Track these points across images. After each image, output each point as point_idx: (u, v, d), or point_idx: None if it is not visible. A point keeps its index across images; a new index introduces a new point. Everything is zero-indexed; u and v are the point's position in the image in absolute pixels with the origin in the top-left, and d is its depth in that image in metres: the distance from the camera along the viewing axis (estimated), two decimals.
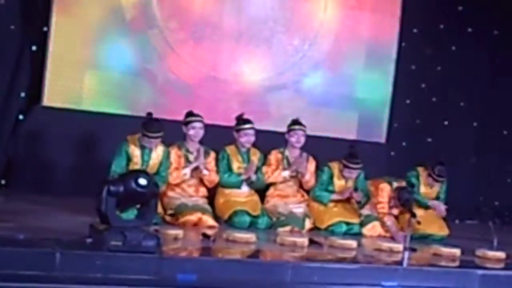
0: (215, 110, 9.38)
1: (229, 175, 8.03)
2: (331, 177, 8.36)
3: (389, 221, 8.10)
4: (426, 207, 8.39)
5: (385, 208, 8.17)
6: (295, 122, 8.39)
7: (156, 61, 9.22)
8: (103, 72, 9.01)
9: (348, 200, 8.36)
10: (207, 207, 7.75)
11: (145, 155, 7.50)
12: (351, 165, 8.27)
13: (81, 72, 8.95)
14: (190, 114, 7.99)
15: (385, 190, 8.22)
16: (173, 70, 9.29)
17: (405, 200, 7.81)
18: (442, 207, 8.42)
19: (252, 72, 9.70)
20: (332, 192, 8.33)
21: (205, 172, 7.87)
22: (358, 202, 8.33)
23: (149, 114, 7.43)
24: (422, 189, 8.57)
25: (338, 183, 8.36)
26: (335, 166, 8.38)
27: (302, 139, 8.31)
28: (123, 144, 7.48)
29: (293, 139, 8.31)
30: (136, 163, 7.43)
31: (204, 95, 9.43)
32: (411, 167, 8.67)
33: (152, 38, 9.20)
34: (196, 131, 7.90)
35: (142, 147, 7.50)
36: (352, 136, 9.80)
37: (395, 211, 8.21)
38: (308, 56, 9.96)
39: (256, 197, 8.15)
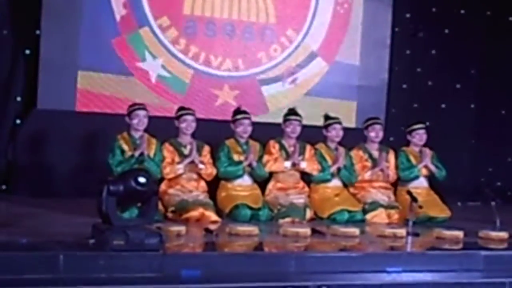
0: (212, 107, 9.47)
1: (228, 163, 8.03)
2: (321, 155, 8.44)
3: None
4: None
5: None
6: (291, 112, 8.41)
7: (148, 59, 9.23)
8: (96, 73, 9.00)
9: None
10: (209, 201, 7.75)
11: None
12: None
13: (75, 74, 8.95)
14: (181, 108, 8.03)
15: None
16: (167, 68, 9.31)
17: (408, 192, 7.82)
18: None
19: (247, 66, 9.73)
20: (329, 166, 8.39)
21: (201, 166, 7.87)
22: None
23: None
24: (414, 162, 8.66)
25: (330, 156, 8.45)
26: (321, 146, 8.52)
27: (298, 129, 8.34)
28: (114, 142, 7.53)
29: (288, 129, 8.33)
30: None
31: (199, 92, 9.47)
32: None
33: (144, 37, 9.19)
34: (187, 123, 7.91)
35: (133, 142, 7.55)
36: (351, 124, 9.81)
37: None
38: (302, 46, 9.97)
39: (258, 191, 8.15)
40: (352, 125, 9.96)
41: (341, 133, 8.53)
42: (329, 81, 10.05)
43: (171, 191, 7.72)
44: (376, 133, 8.66)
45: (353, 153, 8.66)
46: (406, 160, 8.67)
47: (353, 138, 8.82)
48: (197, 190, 7.84)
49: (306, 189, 8.37)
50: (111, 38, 9.03)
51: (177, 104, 8.66)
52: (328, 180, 8.41)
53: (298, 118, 8.36)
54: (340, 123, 8.55)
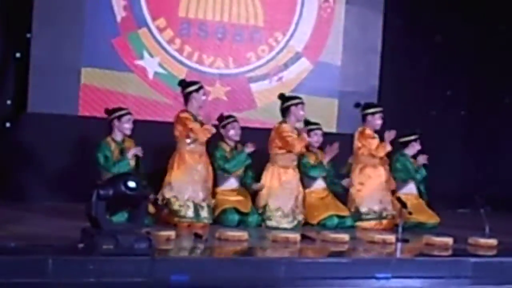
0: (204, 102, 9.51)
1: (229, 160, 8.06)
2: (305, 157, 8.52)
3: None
4: None
5: None
6: (294, 96, 8.45)
7: (146, 57, 9.55)
8: (99, 69, 9.26)
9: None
10: (206, 212, 7.69)
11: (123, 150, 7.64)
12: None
13: (67, 77, 8.99)
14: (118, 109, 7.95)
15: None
16: (163, 66, 9.63)
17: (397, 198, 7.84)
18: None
19: (237, 65, 10.06)
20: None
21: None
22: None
23: None
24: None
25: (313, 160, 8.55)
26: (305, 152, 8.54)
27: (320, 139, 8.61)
28: (104, 145, 7.60)
29: (301, 113, 8.29)
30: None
31: None
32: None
33: (142, 36, 9.52)
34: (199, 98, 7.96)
35: (118, 145, 7.65)
36: (331, 129, 10.07)
37: None
38: (288, 47, 10.28)
39: (246, 194, 8.16)
40: (333, 129, 10.16)
41: (321, 138, 8.60)
42: (313, 80, 10.37)
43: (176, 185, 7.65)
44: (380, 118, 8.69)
45: (358, 132, 8.62)
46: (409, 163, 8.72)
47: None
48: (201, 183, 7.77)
49: (300, 189, 8.32)
50: (112, 38, 9.35)
51: (172, 99, 9.16)
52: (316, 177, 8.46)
53: (301, 101, 8.32)
54: (320, 128, 8.59)
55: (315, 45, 10.43)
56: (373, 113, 8.64)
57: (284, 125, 8.14)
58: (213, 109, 9.35)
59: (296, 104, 8.24)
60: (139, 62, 9.52)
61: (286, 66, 10.28)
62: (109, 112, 7.83)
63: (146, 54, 9.54)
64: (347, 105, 10.22)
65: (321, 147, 8.66)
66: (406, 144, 8.81)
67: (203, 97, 8.02)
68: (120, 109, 7.88)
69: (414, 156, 8.81)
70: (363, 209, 8.31)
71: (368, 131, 8.53)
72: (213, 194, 8.00)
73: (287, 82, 10.26)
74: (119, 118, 7.72)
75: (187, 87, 7.97)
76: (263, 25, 10.16)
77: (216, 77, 9.92)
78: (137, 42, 9.50)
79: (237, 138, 8.24)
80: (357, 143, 8.53)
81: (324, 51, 10.48)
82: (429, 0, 10.88)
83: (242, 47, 10.09)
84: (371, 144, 8.45)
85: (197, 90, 7.93)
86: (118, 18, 9.39)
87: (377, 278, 5.92)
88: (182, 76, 9.48)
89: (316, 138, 8.60)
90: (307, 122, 8.55)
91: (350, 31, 10.49)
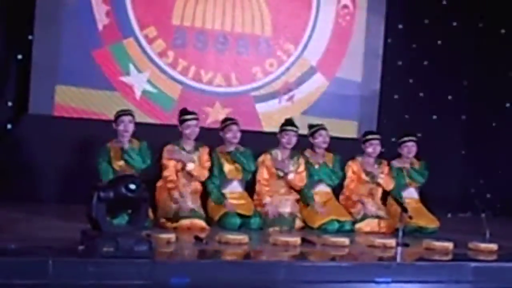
0: (202, 125, 9.13)
1: (215, 186, 7.99)
2: (308, 161, 8.42)
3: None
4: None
5: None
6: (288, 122, 8.36)
7: (133, 73, 8.91)
8: (76, 87, 8.71)
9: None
10: (201, 211, 7.71)
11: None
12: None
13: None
14: (184, 112, 7.87)
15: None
16: (153, 83, 8.97)
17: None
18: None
19: (240, 81, 9.40)
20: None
21: (189, 165, 7.76)
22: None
23: None
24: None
25: (318, 163, 8.47)
26: (309, 151, 8.50)
27: (294, 140, 8.27)
28: (104, 150, 7.57)
29: (284, 140, 8.28)
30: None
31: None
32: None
33: (128, 48, 8.86)
34: (192, 129, 7.79)
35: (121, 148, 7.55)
36: (353, 135, 9.82)
37: None
38: (300, 60, 9.68)
39: (248, 198, 8.16)
40: (354, 135, 9.90)
41: (327, 139, 8.49)
42: (329, 99, 9.77)
43: (165, 198, 7.67)
44: (373, 148, 8.62)
45: (349, 163, 8.65)
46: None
47: (356, 149, 8.81)
48: (190, 196, 7.77)
49: (294, 194, 8.34)
50: (92, 50, 8.68)
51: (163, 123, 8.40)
52: (311, 198, 8.37)
53: (294, 129, 8.29)
54: (325, 128, 8.50)
55: (331, 58, 9.71)
56: (363, 141, 8.65)
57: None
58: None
59: (285, 133, 8.24)
60: (125, 79, 8.77)
61: (298, 83, 9.55)
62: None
63: (132, 69, 8.78)
64: (357, 111, 10.07)
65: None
66: (400, 145, 8.80)
67: (196, 129, 7.78)
68: (118, 111, 7.76)
69: (416, 156, 8.80)
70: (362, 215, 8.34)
71: (354, 167, 8.60)
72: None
73: (299, 102, 9.59)
74: (115, 121, 7.65)
75: (184, 115, 7.82)
76: (272, 34, 9.40)
77: (215, 96, 9.13)
78: (122, 55, 8.68)
79: (235, 141, 8.13)
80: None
81: (342, 65, 9.83)
82: (429, 5, 10.89)
83: (246, 60, 9.31)
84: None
85: (191, 120, 7.78)
86: (100, 26, 8.60)
87: (377, 283, 5.92)
88: (175, 95, 8.96)
89: (321, 139, 8.47)
90: (311, 126, 8.51)
91: (355, 37, 10.19)
